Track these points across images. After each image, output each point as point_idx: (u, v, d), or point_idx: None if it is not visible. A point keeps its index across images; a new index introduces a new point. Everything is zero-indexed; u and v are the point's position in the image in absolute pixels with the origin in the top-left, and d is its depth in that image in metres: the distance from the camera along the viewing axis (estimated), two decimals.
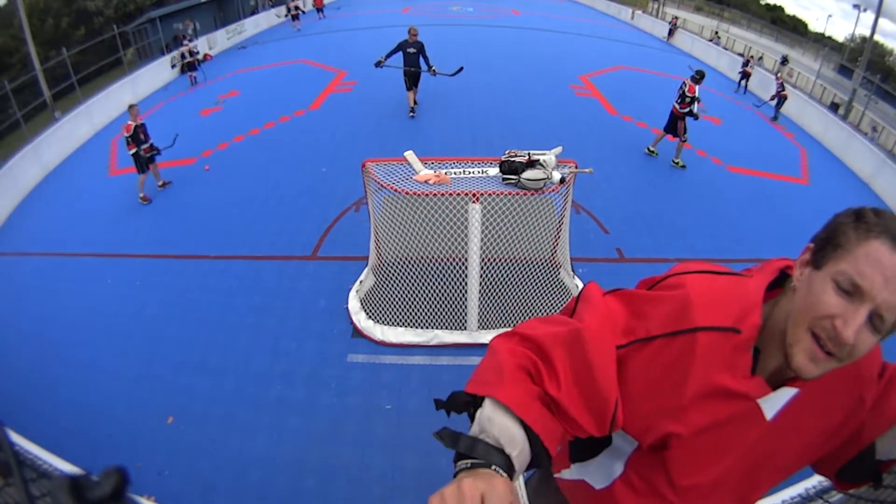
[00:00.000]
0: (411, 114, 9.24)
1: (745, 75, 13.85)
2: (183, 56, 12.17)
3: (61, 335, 4.78)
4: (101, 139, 9.53)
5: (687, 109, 7.51)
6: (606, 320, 0.86)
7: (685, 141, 7.78)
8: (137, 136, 6.57)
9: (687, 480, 0.95)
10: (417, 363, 4.31)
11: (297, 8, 17.92)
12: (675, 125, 7.76)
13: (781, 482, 1.01)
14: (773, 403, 0.86)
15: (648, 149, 8.15)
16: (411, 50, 8.39)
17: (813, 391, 0.86)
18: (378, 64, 8.25)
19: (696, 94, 7.49)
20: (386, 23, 17.35)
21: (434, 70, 8.55)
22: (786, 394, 0.86)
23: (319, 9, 19.63)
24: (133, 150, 6.54)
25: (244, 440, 3.69)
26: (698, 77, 7.51)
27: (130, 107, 6.74)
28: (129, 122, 6.53)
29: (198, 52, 12.55)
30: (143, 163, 6.68)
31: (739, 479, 0.94)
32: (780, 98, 11.29)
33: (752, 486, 0.96)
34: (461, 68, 8.99)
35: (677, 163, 7.87)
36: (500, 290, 4.60)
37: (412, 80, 8.81)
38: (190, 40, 12.53)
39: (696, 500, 0.96)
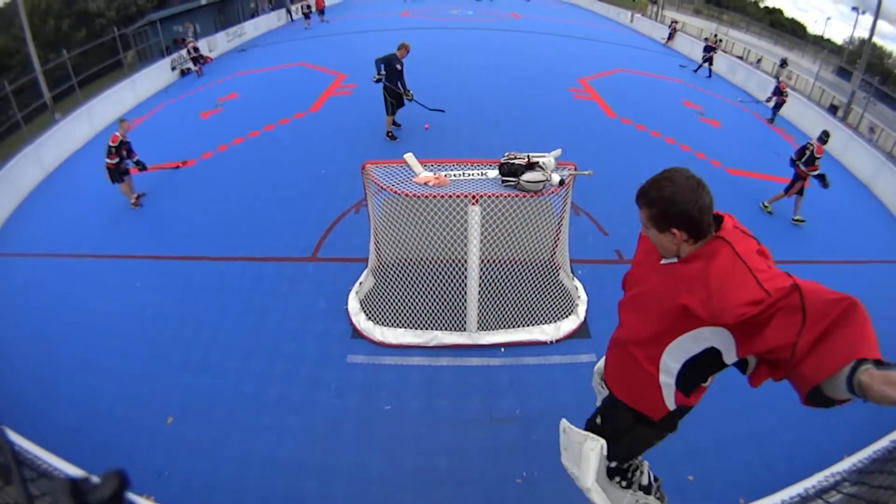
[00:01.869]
0: (389, 136, 8.49)
1: (709, 59, 14.05)
2: (189, 52, 13.10)
3: (61, 336, 4.78)
4: (102, 141, 9.40)
5: (816, 172, 6.86)
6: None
7: (794, 196, 7.03)
8: (120, 150, 6.44)
9: (627, 294, 1.83)
10: (417, 364, 4.31)
11: (308, 7, 19.04)
12: (796, 185, 7.02)
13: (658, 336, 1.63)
14: (665, 261, 1.62)
15: (763, 204, 7.25)
16: (399, 66, 7.84)
17: (674, 270, 1.57)
18: (377, 80, 7.78)
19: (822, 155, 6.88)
20: (386, 26, 17.40)
21: (411, 95, 8.08)
22: (669, 261, 1.61)
23: (321, 11, 19.74)
24: (114, 161, 6.39)
25: (244, 441, 3.69)
26: (826, 138, 7.03)
27: (121, 120, 6.64)
28: (116, 134, 6.42)
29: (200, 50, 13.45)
30: (116, 174, 6.55)
31: (639, 301, 1.74)
32: (779, 102, 11.23)
33: (640, 312, 1.73)
34: (443, 110, 8.76)
35: (798, 220, 7.02)
36: (499, 292, 4.61)
37: (398, 101, 8.14)
38: (195, 38, 13.73)
39: (624, 313, 1.82)
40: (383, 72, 7.74)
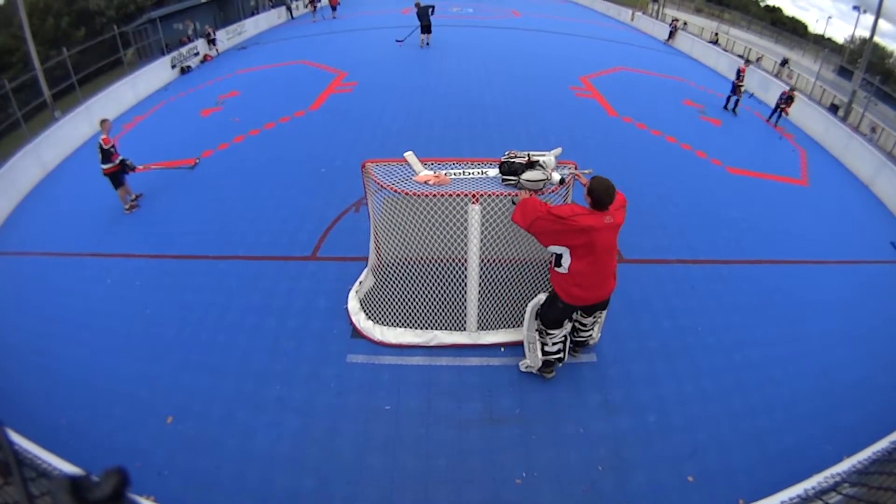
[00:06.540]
0: (427, 45, 14.21)
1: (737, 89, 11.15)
2: (207, 36, 14.96)
3: (61, 335, 4.78)
4: None
5: None
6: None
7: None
8: (115, 149, 6.39)
9: None
10: (417, 364, 4.31)
11: None
12: None
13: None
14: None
15: None
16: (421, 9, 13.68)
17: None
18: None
19: None
20: (386, 24, 17.36)
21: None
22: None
23: (333, 7, 19.78)
24: (119, 160, 6.38)
25: (243, 440, 3.69)
26: None
27: (103, 121, 6.49)
28: (106, 136, 6.29)
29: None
30: (120, 176, 6.53)
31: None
32: (779, 105, 11.01)
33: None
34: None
35: None
36: (499, 291, 4.60)
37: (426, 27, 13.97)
38: (214, 31, 15.39)
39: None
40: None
